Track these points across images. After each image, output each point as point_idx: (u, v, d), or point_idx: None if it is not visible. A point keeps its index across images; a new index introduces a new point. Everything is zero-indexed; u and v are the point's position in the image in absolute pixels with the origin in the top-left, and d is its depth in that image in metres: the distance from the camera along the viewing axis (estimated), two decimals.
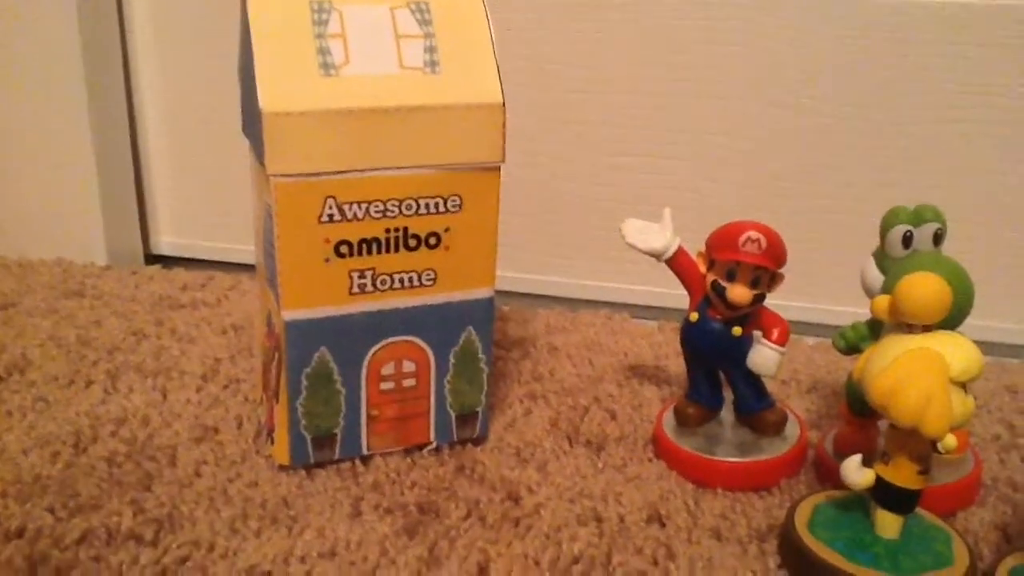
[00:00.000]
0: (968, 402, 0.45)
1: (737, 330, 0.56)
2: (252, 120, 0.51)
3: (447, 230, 0.54)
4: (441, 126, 0.52)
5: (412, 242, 0.53)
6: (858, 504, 0.49)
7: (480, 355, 0.58)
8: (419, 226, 0.53)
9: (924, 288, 0.44)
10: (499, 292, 0.58)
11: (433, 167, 0.53)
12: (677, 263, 0.58)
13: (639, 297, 0.87)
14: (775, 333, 0.56)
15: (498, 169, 0.54)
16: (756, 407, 0.59)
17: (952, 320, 0.48)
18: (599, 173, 0.85)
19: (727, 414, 0.61)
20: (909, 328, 0.45)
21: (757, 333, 0.57)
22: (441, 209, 0.54)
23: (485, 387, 0.59)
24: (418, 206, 0.53)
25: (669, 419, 0.61)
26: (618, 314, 0.84)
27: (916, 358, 0.44)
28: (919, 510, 0.50)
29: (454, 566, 0.48)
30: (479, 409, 0.59)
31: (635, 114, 0.83)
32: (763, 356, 0.56)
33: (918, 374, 0.43)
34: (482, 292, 0.57)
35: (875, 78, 0.77)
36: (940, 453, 0.45)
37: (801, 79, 0.79)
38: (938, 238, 0.53)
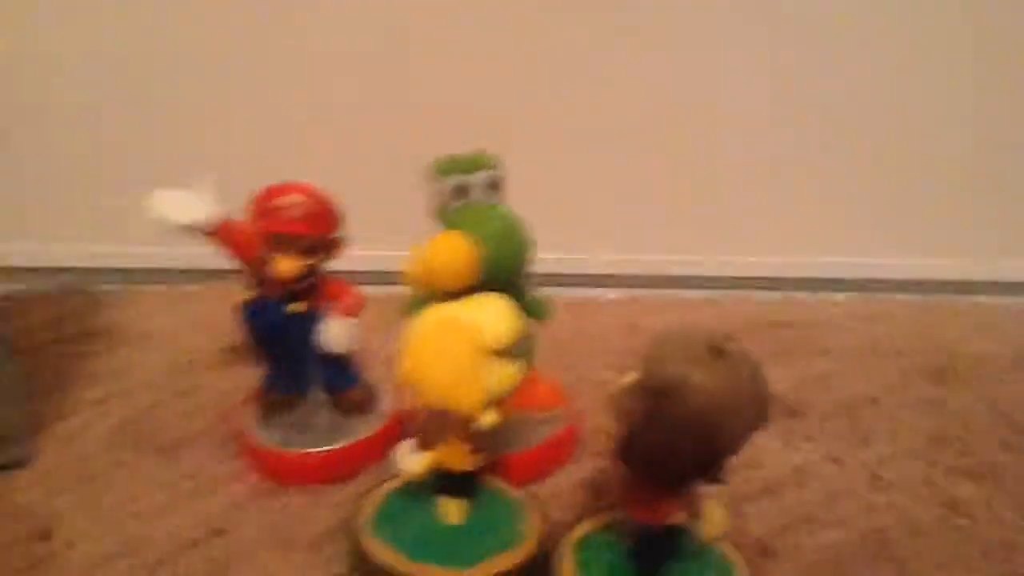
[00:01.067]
0: (510, 370, 0.40)
1: (297, 306, 0.49)
2: None
3: None
4: None
5: None
6: (429, 491, 0.45)
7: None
8: None
9: (441, 252, 0.40)
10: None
11: None
12: (224, 236, 0.49)
13: None
14: (343, 304, 0.50)
15: None
16: (339, 386, 0.53)
17: (498, 278, 0.43)
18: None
19: (322, 394, 0.55)
20: (441, 296, 0.41)
21: (328, 306, 0.51)
22: None
23: (18, 403, 0.50)
24: None
25: (252, 410, 0.54)
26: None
27: (441, 332, 0.39)
28: (497, 484, 0.47)
29: None
30: (17, 427, 0.50)
31: None
32: (331, 331, 0.50)
33: (443, 350, 0.39)
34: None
35: None
36: (482, 430, 0.41)
37: None
38: (495, 187, 0.48)
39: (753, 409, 0.36)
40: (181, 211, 0.49)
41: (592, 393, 0.59)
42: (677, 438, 0.34)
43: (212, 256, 0.73)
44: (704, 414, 0.34)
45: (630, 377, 0.37)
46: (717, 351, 0.35)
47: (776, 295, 0.78)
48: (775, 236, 0.80)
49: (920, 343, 0.68)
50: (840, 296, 0.78)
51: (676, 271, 0.80)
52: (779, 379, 0.60)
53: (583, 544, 0.43)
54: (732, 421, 0.35)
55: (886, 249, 0.81)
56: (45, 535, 0.46)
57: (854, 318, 0.72)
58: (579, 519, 0.45)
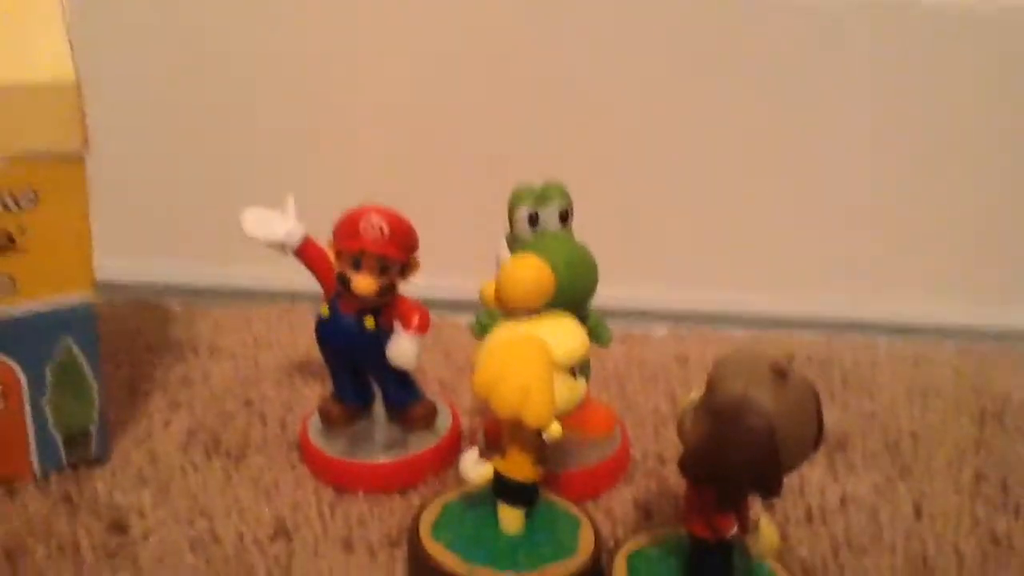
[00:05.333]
0: (577, 386, 0.43)
1: (369, 322, 0.52)
2: None
3: (23, 230, 0.47)
4: None
5: None
6: (487, 500, 0.47)
7: (85, 367, 0.51)
8: None
9: (518, 272, 0.42)
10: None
11: None
12: (305, 254, 0.53)
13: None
14: (413, 322, 0.52)
15: (81, 158, 0.48)
16: (403, 401, 0.55)
17: (567, 302, 0.46)
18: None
19: (381, 411, 0.57)
20: (515, 313, 0.43)
21: (397, 324, 0.53)
22: (11, 207, 0.47)
23: (97, 401, 0.52)
24: None
25: (316, 421, 0.56)
26: (300, 304, 0.78)
27: (514, 347, 0.41)
28: (552, 498, 0.49)
29: None
30: (91, 427, 0.53)
31: None
32: (401, 347, 0.52)
33: (516, 364, 0.41)
34: (78, 297, 0.50)
35: None
36: (547, 442, 0.43)
37: None
38: (564, 217, 0.51)
39: (810, 430, 0.38)
40: (269, 228, 0.52)
41: (642, 419, 0.61)
42: (737, 454, 0.36)
43: (275, 279, 0.77)
44: (764, 432, 0.36)
45: (694, 395, 0.39)
46: (779, 372, 0.37)
47: (821, 334, 0.79)
48: (822, 277, 0.82)
49: (962, 388, 0.69)
50: (883, 338, 0.79)
51: (723, 308, 0.82)
52: (824, 415, 0.61)
53: (635, 557, 0.45)
54: (790, 440, 0.36)
55: (930, 294, 0.82)
56: (121, 526, 0.48)
57: (897, 361, 0.74)
58: (630, 535, 0.47)
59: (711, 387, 0.38)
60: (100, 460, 0.54)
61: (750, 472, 0.36)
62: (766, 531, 0.41)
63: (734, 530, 0.40)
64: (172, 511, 0.50)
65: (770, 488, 0.37)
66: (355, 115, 0.78)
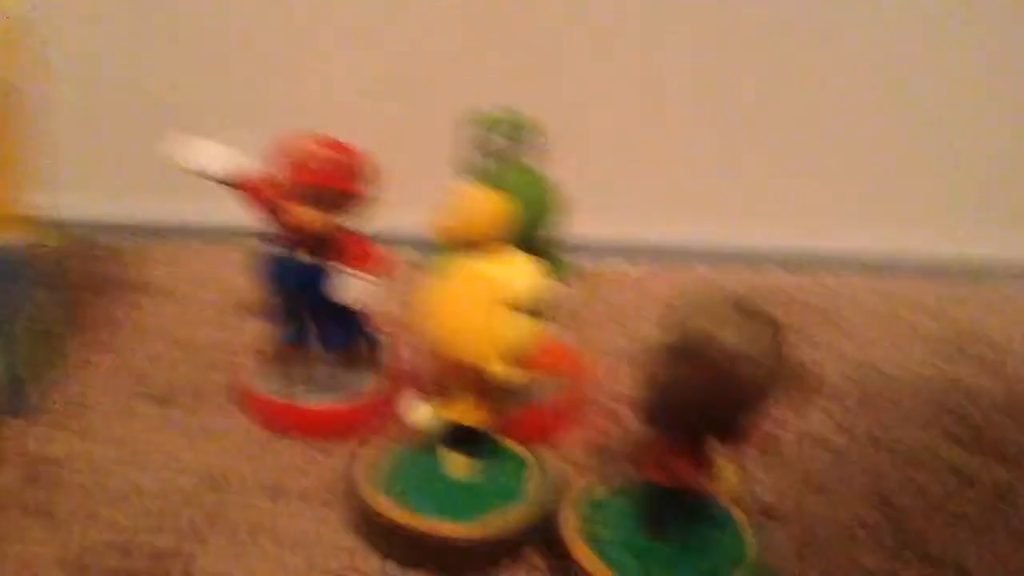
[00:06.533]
0: (530, 327, 0.39)
1: (313, 258, 0.48)
2: None
3: None
4: None
5: None
6: (432, 446, 0.44)
7: (10, 313, 0.47)
8: None
9: (470, 202, 0.38)
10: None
11: None
12: (241, 185, 0.48)
13: None
14: (362, 259, 0.49)
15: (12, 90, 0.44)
16: (345, 340, 0.52)
17: (525, 236, 0.42)
18: None
19: (322, 351, 0.53)
20: (466, 249, 0.39)
21: (345, 263, 0.49)
22: None
23: (20, 349, 0.48)
24: None
25: (252, 361, 0.53)
26: (240, 241, 0.74)
27: (461, 285, 0.38)
28: (501, 441, 0.46)
29: None
30: (18, 375, 0.49)
31: None
32: (348, 287, 0.48)
33: (461, 302, 0.38)
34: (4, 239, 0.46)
35: None
36: (494, 385, 0.40)
37: None
38: (524, 145, 0.48)
39: (776, 370, 0.35)
40: (202, 159, 0.48)
41: (603, 360, 0.58)
42: (700, 394, 0.34)
43: (220, 213, 0.72)
44: (728, 372, 0.33)
45: (656, 337, 0.36)
46: (744, 311, 0.34)
47: (789, 270, 0.76)
48: (789, 210, 0.79)
49: (935, 326, 0.67)
50: (853, 275, 0.77)
51: (687, 243, 0.79)
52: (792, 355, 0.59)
53: (587, 505, 0.42)
54: (755, 380, 0.34)
55: (901, 228, 0.80)
56: (39, 481, 0.44)
57: (867, 297, 0.71)
58: (586, 480, 0.44)
59: (673, 326, 0.35)
60: (23, 410, 0.49)
61: (712, 414, 0.34)
62: (725, 473, 0.39)
63: (693, 476, 0.37)
64: (95, 460, 0.46)
65: (732, 433, 0.34)
66: (305, 38, 0.74)
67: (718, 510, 0.41)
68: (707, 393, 0.33)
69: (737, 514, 0.42)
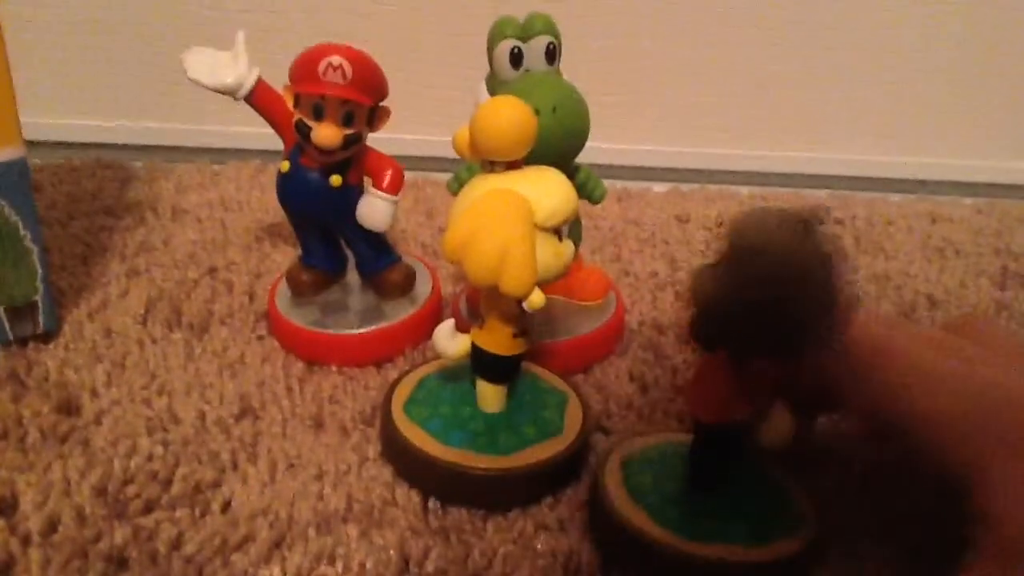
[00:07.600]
0: (563, 249, 0.37)
1: (336, 179, 0.47)
2: None
3: None
4: None
5: None
6: (466, 376, 0.42)
7: (22, 232, 0.46)
8: None
9: (495, 115, 0.36)
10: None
11: None
12: (258, 100, 0.47)
13: None
14: (385, 180, 0.47)
15: None
16: (377, 266, 0.51)
17: (554, 152, 0.40)
18: None
19: (355, 278, 0.53)
20: (492, 166, 0.37)
21: (368, 182, 0.48)
22: None
23: (40, 271, 0.48)
24: None
25: (285, 289, 0.52)
26: (273, 163, 0.73)
27: (490, 204, 0.36)
28: (537, 372, 0.45)
29: None
30: (37, 298, 0.48)
31: None
32: (372, 208, 0.47)
33: (491, 223, 0.35)
34: (7, 154, 0.45)
35: None
36: (529, 312, 0.38)
37: None
38: (551, 54, 0.45)
39: (833, 287, 0.33)
40: (216, 72, 0.46)
41: (638, 284, 0.57)
42: (757, 305, 0.31)
43: (244, 136, 0.71)
44: (785, 281, 0.31)
45: (711, 257, 0.34)
46: (803, 225, 0.32)
47: (830, 192, 0.74)
48: (831, 131, 0.76)
49: (982, 247, 0.65)
50: (896, 196, 0.74)
51: (727, 164, 0.77)
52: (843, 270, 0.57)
53: (630, 464, 0.39)
54: (811, 295, 0.32)
55: (947, 148, 0.77)
56: (71, 408, 0.44)
57: (910, 218, 0.69)
58: (628, 426, 0.43)
59: (730, 238, 0.33)
60: (50, 334, 0.49)
61: (771, 325, 0.31)
62: (778, 418, 0.36)
63: (746, 413, 0.35)
64: (128, 389, 0.46)
65: (792, 346, 0.32)
66: None
67: (762, 468, 0.39)
68: (766, 302, 0.31)
69: (781, 470, 0.40)
